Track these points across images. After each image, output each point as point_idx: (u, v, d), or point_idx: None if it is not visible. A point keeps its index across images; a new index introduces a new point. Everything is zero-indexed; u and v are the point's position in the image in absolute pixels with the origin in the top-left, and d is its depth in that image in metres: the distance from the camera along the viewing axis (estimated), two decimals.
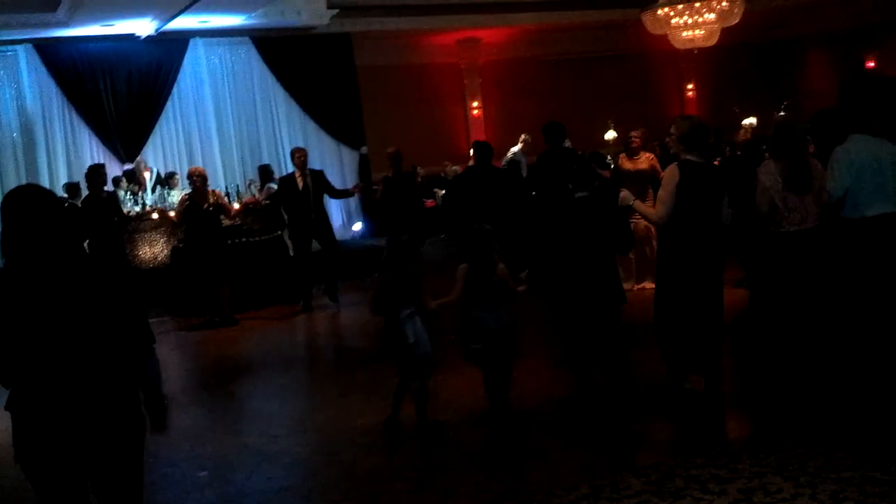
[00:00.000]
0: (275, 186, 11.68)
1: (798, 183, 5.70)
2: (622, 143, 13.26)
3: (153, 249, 11.66)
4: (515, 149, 14.23)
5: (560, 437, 5.41)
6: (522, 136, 14.28)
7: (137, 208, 11.93)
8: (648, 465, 4.61)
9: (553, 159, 9.24)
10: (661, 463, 4.62)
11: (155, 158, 14.29)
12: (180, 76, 14.63)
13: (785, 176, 5.70)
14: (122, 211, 10.66)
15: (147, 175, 13.17)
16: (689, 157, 5.62)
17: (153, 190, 12.87)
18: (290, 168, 11.25)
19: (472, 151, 10.72)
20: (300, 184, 10.34)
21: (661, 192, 5.71)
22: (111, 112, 14.00)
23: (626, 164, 9.67)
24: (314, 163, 15.07)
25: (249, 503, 4.75)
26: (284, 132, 15.56)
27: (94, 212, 9.75)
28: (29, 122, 13.80)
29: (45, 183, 13.74)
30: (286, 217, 10.91)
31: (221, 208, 10.00)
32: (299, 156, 10.55)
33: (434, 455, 5.36)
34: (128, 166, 13.59)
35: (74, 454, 3.07)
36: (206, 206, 9.68)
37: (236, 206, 11.40)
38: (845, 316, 5.71)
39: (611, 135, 15.95)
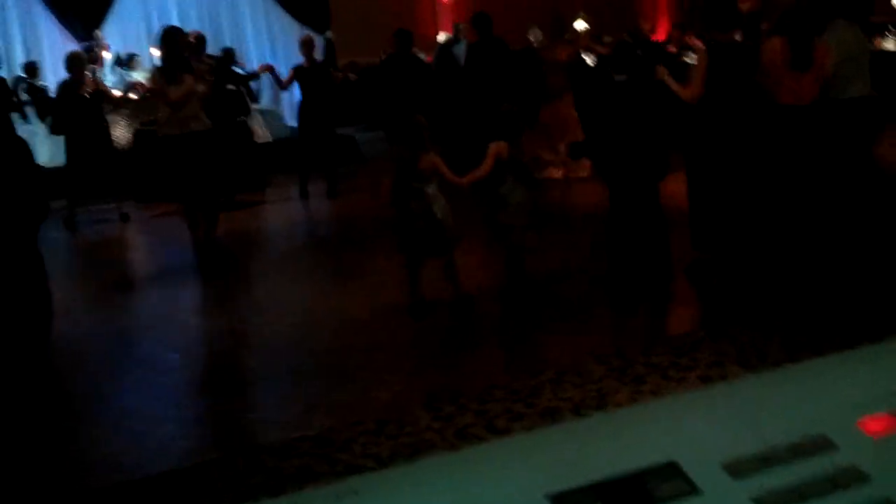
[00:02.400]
0: (239, 70, 11.42)
1: (799, 61, 5.83)
2: (593, 36, 13.15)
3: (114, 132, 11.43)
4: (443, 37, 14.01)
5: (535, 323, 5.54)
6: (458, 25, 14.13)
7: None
8: (611, 353, 4.74)
9: (483, 51, 9.63)
10: (623, 352, 4.75)
11: (113, 40, 13.88)
12: None
13: (786, 54, 5.85)
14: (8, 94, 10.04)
15: (106, 55, 12.81)
16: (714, 36, 5.77)
17: (112, 71, 12.57)
18: (251, 52, 10.97)
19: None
20: None
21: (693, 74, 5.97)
22: None
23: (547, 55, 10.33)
24: (277, 47, 14.80)
25: (222, 384, 4.83)
26: (247, 15, 15.16)
27: None
28: None
29: (3, 63, 13.35)
30: None
31: (102, 95, 9.67)
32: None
33: (412, 335, 5.45)
34: (84, 45, 13.19)
35: None
36: (84, 92, 9.24)
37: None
38: (819, 197, 5.94)
39: (581, 25, 15.72)
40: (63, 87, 9.37)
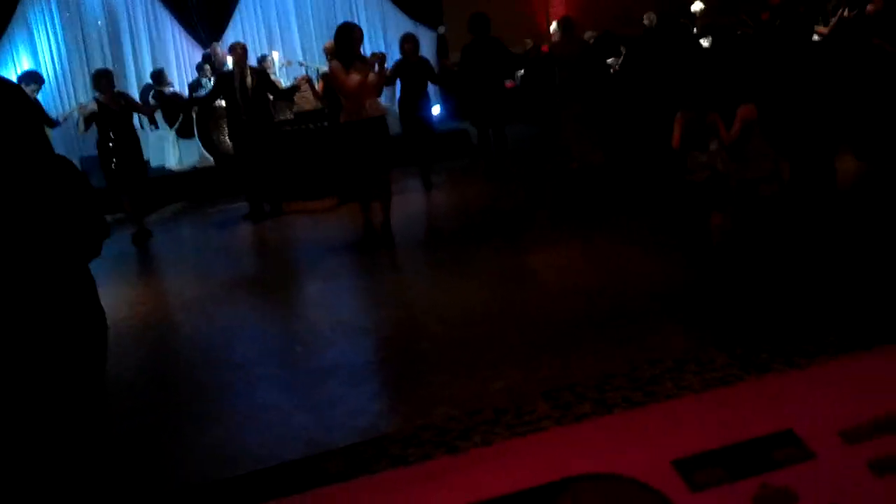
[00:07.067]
0: None
1: None
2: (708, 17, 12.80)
3: (223, 136, 11.72)
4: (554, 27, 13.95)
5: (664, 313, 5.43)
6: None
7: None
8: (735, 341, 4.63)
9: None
10: (747, 341, 4.63)
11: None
12: None
13: None
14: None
15: (227, 59, 13.19)
16: None
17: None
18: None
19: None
20: (237, 82, 9.82)
21: None
22: None
23: None
24: (390, 44, 14.97)
25: (344, 375, 4.95)
26: (362, 13, 15.45)
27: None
28: (113, 11, 14.01)
29: (131, 70, 14.06)
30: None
31: (131, 107, 9.87)
32: (236, 51, 10.03)
33: (530, 326, 5.41)
34: (206, 51, 13.69)
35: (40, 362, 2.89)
36: (116, 107, 9.38)
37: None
38: None
39: (697, 6, 15.32)
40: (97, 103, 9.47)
